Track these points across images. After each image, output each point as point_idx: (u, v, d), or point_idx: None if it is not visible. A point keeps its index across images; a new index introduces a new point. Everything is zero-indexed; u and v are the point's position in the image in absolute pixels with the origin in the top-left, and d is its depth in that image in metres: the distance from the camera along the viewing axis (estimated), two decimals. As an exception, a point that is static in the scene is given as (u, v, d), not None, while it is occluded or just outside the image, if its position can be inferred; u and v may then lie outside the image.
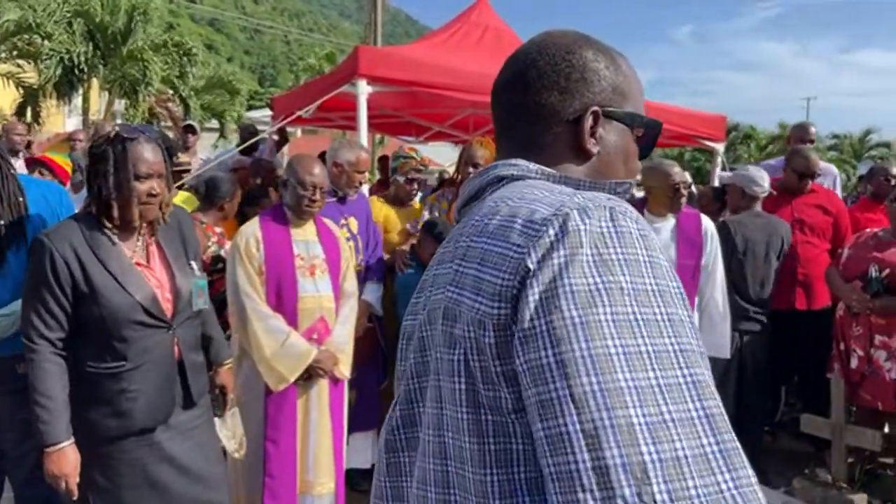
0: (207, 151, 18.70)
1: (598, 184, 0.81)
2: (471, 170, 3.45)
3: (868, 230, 3.61)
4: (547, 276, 0.63)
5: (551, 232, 0.65)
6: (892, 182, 4.20)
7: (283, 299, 2.57)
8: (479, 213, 0.77)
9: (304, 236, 2.72)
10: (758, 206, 3.81)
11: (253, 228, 2.63)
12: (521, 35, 5.45)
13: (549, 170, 0.81)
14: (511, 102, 0.86)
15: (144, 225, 2.08)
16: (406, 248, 3.41)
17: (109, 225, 2.00)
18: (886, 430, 3.44)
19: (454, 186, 3.69)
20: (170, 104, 13.26)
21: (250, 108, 29.66)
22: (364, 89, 3.82)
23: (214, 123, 16.28)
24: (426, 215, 3.56)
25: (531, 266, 0.64)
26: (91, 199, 2.01)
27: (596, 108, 0.83)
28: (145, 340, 1.99)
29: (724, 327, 3.26)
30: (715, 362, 3.32)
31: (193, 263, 2.20)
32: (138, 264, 2.05)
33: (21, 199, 2.20)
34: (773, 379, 4.15)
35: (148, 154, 2.00)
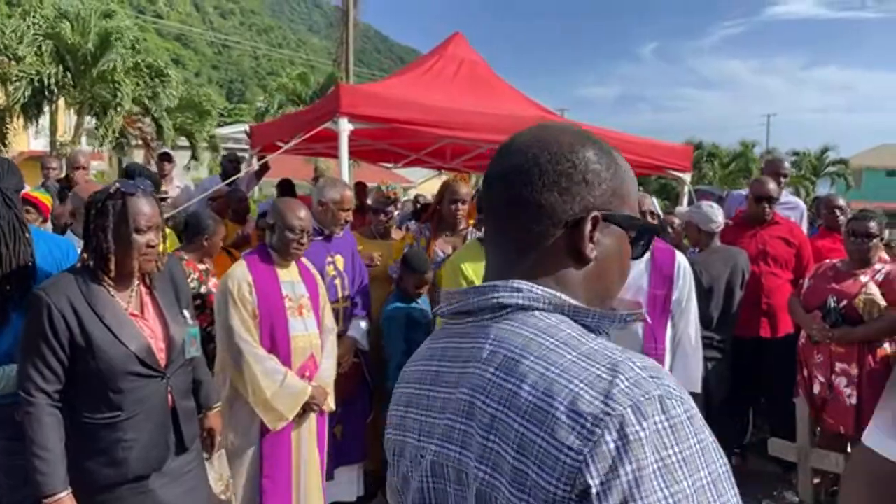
0: (181, 174, 18.57)
1: (606, 316, 0.79)
2: (453, 206, 3.56)
3: (827, 261, 3.79)
4: (616, 499, 0.63)
5: (609, 440, 0.64)
6: (838, 213, 4.42)
7: (276, 341, 2.63)
8: (494, 366, 0.75)
9: (290, 277, 2.79)
10: (716, 240, 3.99)
11: (243, 272, 2.68)
12: (494, 67, 5.61)
13: (556, 297, 0.78)
14: (508, 196, 0.82)
15: (140, 276, 2.14)
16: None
17: (105, 277, 2.05)
18: (849, 450, 3.61)
19: (432, 218, 3.77)
20: (141, 125, 13.19)
21: (220, 124, 29.47)
22: (345, 126, 3.92)
23: (185, 141, 16.17)
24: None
25: (593, 484, 0.63)
26: (88, 252, 2.07)
27: (596, 213, 0.80)
28: (140, 390, 2.04)
29: (697, 361, 3.39)
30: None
31: (186, 312, 2.26)
32: (133, 315, 2.10)
33: (31, 262, 2.22)
34: (742, 403, 4.31)
35: (146, 208, 2.08)
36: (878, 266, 3.53)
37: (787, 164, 4.90)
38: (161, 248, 2.15)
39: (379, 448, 3.54)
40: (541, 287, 0.79)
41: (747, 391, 4.26)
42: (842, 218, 4.33)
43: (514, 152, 0.84)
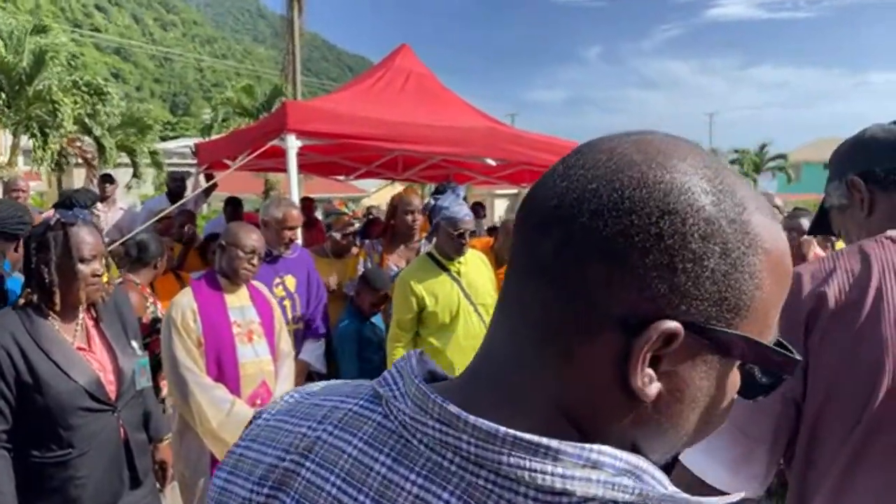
0: (123, 194, 18.07)
1: None
2: (409, 217, 3.58)
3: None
4: None
5: None
6: (776, 213, 4.60)
7: (223, 368, 2.59)
8: None
9: (239, 302, 2.74)
10: None
11: (188, 300, 2.63)
12: (442, 74, 5.66)
13: (638, 472, 0.47)
14: (552, 247, 0.48)
15: (84, 308, 2.09)
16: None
17: (50, 311, 2.00)
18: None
19: (384, 233, 3.79)
20: (81, 144, 12.80)
21: (163, 138, 28.80)
22: (293, 143, 3.90)
23: (127, 159, 15.75)
24: (360, 269, 3.65)
25: None
26: (32, 287, 2.01)
27: (677, 325, 0.46)
28: (91, 425, 1.99)
29: None
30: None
31: (134, 343, 2.22)
32: (80, 348, 2.05)
33: None
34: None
35: (88, 237, 2.05)
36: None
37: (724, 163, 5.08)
38: (105, 276, 2.11)
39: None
40: (625, 457, 0.47)
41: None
42: (779, 217, 4.51)
43: (612, 173, 0.48)
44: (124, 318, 2.23)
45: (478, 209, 7.03)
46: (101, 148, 13.10)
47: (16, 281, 2.66)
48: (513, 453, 0.46)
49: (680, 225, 0.46)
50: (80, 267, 2.00)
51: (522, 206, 0.53)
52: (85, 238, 2.03)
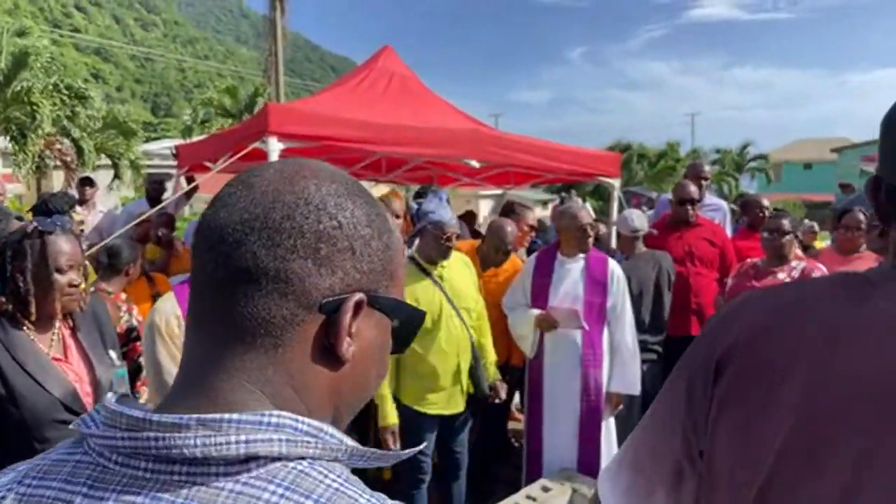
0: (103, 196, 17.84)
1: (366, 455, 0.59)
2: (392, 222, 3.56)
3: (749, 260, 3.98)
4: None
5: None
6: (765, 214, 4.64)
7: (207, 375, 2.55)
8: None
9: None
10: (640, 245, 4.14)
11: (171, 306, 2.58)
12: (426, 76, 5.64)
13: (324, 434, 0.56)
14: (239, 262, 0.57)
15: (61, 318, 2.05)
16: None
17: (25, 321, 1.96)
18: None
19: None
20: (61, 147, 12.62)
21: (146, 139, 28.48)
22: (275, 146, 3.85)
23: (107, 161, 15.55)
24: None
25: None
26: (6, 296, 1.97)
27: (362, 295, 0.59)
28: (67, 437, 1.94)
29: (634, 366, 3.51)
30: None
31: (112, 353, 2.17)
32: (56, 359, 2.01)
33: None
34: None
35: (66, 246, 2.00)
36: (794, 263, 3.72)
37: (707, 168, 5.11)
38: (83, 286, 2.07)
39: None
40: (307, 420, 0.56)
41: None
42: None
43: (255, 199, 0.58)
44: (102, 327, 2.19)
45: (470, 218, 7.00)
46: (79, 151, 12.92)
47: None
48: (198, 435, 0.51)
49: (353, 217, 0.60)
50: (57, 277, 1.96)
51: (202, 230, 0.61)
52: (62, 247, 1.98)
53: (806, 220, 8.54)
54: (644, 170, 25.93)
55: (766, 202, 4.86)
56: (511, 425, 4.75)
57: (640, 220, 4.14)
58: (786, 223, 3.75)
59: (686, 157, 28.84)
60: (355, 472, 0.60)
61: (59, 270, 1.97)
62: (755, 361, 0.83)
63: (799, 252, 4.42)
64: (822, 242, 7.28)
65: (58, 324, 2.05)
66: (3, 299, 1.96)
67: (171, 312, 2.57)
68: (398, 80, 5.30)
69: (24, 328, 1.95)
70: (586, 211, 3.59)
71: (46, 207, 2.32)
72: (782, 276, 3.67)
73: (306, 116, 4.03)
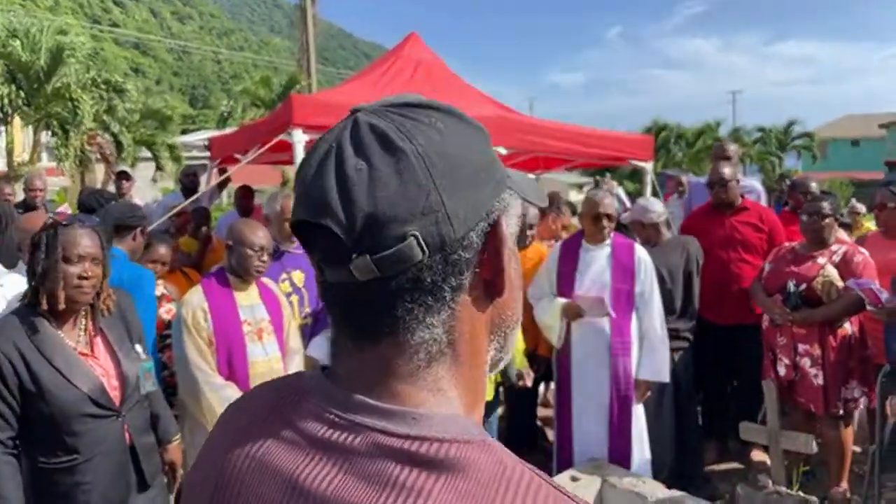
0: (146, 188, 18.26)
1: None
2: None
3: (787, 244, 3.84)
4: None
5: None
6: (810, 198, 4.45)
7: (234, 367, 2.59)
8: None
9: (249, 300, 2.74)
10: (664, 231, 3.99)
11: (198, 299, 2.63)
12: (458, 60, 5.58)
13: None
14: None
15: (85, 312, 2.09)
16: None
17: (51, 316, 2.00)
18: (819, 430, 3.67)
19: None
20: (100, 141, 12.94)
21: (184, 131, 29.02)
22: (300, 138, 3.87)
23: (148, 153, 15.90)
24: None
25: None
26: (29, 290, 2.01)
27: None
28: (96, 431, 1.99)
29: (664, 353, 3.43)
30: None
31: (138, 347, 2.21)
32: (82, 354, 2.05)
33: None
34: (716, 389, 4.36)
35: (81, 238, 2.02)
36: (835, 247, 3.58)
37: (732, 147, 4.91)
38: (96, 280, 2.07)
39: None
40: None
41: (721, 377, 4.31)
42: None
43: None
44: (128, 320, 2.23)
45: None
46: (118, 144, 13.23)
47: (131, 266, 2.95)
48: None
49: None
50: (64, 266, 1.97)
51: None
52: (76, 239, 2.00)
53: (853, 200, 8.22)
54: (682, 150, 25.35)
55: (813, 185, 4.66)
56: (541, 412, 4.72)
57: (658, 205, 4.02)
58: (825, 205, 3.61)
59: (727, 136, 28.09)
60: None
61: (68, 260, 1.98)
62: None
63: (843, 235, 4.26)
64: (871, 223, 7.00)
65: (83, 320, 2.09)
66: (28, 294, 2.01)
67: (197, 305, 2.61)
68: (424, 68, 5.26)
69: (51, 324, 1.99)
70: (610, 198, 3.50)
71: (88, 206, 2.40)
72: (822, 260, 3.54)
73: (330, 107, 4.03)
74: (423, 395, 0.57)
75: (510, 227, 0.61)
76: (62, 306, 1.98)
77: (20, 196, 6.30)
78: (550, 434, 4.06)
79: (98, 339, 2.11)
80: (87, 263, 2.01)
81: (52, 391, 1.92)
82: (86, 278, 2.01)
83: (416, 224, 0.54)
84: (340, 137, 0.57)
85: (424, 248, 0.54)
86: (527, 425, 4.38)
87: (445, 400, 0.58)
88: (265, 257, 2.72)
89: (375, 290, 0.56)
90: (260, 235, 2.71)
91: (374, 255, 0.54)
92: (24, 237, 2.77)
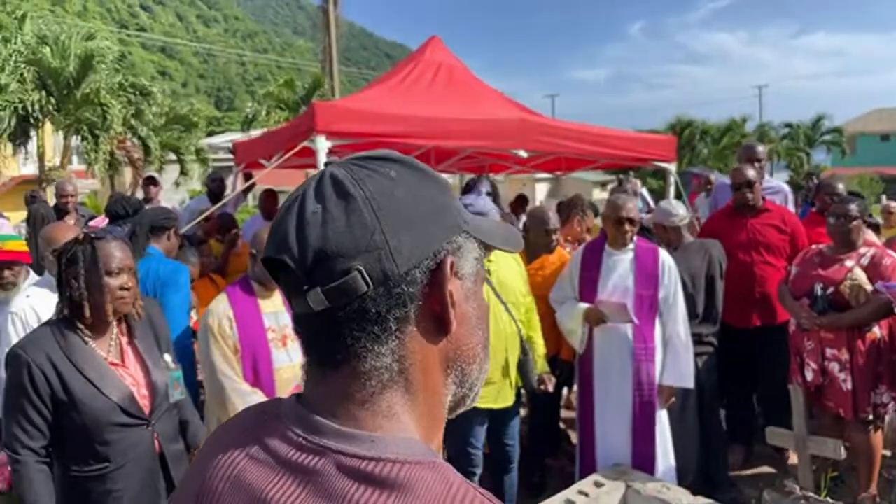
0: (170, 191, 18.52)
1: None
2: None
3: (814, 247, 3.78)
4: None
5: None
6: (837, 200, 4.36)
7: (259, 374, 2.62)
8: None
9: (273, 307, 2.77)
10: (686, 234, 3.94)
11: (224, 307, 2.68)
12: (480, 59, 5.59)
13: None
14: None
15: (117, 323, 2.14)
16: None
17: (82, 327, 2.05)
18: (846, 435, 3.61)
19: None
20: (128, 145, 13.18)
21: (210, 133, 29.40)
22: (323, 145, 3.91)
23: (173, 155, 16.15)
24: None
25: None
26: (63, 303, 2.07)
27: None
28: (126, 440, 2.05)
29: (688, 358, 3.40)
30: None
31: (167, 356, 2.26)
32: (113, 364, 2.10)
33: None
34: (740, 393, 4.31)
35: (116, 251, 2.09)
36: (863, 250, 3.51)
37: (760, 149, 4.84)
38: (136, 291, 2.15)
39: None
40: None
41: (745, 381, 4.26)
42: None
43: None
44: (157, 330, 2.28)
45: (521, 203, 6.94)
46: (146, 148, 13.47)
47: (167, 262, 3.25)
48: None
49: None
50: (108, 280, 2.04)
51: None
52: (112, 252, 2.07)
53: (884, 197, 8.04)
54: (708, 147, 25.01)
55: (840, 186, 4.58)
56: (565, 414, 4.71)
57: (680, 208, 3.97)
58: (853, 207, 3.55)
59: (753, 132, 27.63)
60: None
61: (110, 273, 2.05)
62: None
63: (872, 237, 4.17)
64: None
65: (114, 330, 2.14)
66: (61, 306, 2.07)
67: (223, 314, 2.66)
68: (445, 71, 5.27)
69: (82, 335, 2.05)
70: (633, 202, 3.47)
71: (116, 213, 2.47)
72: (850, 263, 3.48)
73: (353, 114, 4.07)
74: (380, 420, 0.62)
75: (465, 268, 0.66)
76: (110, 318, 2.06)
77: (51, 200, 6.47)
78: (574, 437, 4.05)
79: (128, 350, 2.17)
80: (125, 276, 2.08)
81: (83, 401, 1.97)
82: (127, 289, 2.08)
83: (360, 259, 0.60)
84: (307, 186, 0.65)
85: (368, 281, 0.60)
86: (550, 428, 4.38)
87: (400, 425, 0.63)
88: None
89: (329, 320, 0.62)
90: None
91: (323, 286, 0.60)
92: (47, 248, 2.84)
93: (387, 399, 0.63)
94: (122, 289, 2.07)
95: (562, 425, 4.60)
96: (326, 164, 0.67)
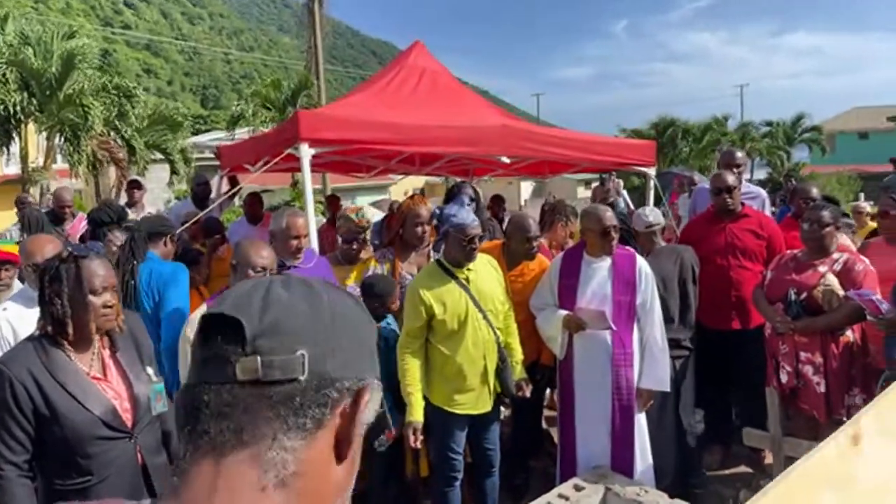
0: (160, 190, 18.37)
1: None
2: (418, 229, 3.60)
3: (789, 252, 3.86)
4: None
5: None
6: (811, 206, 4.45)
7: (238, 385, 2.64)
8: None
9: None
10: (659, 240, 4.05)
11: None
12: (458, 74, 5.63)
13: None
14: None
15: (99, 337, 2.17)
16: None
17: (65, 342, 2.08)
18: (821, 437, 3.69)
19: (394, 242, 3.79)
20: (111, 145, 13.09)
21: (196, 132, 29.18)
22: (307, 152, 3.93)
23: (161, 156, 16.04)
24: (370, 275, 3.67)
25: None
26: (45, 319, 2.09)
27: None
28: (108, 453, 2.07)
29: (664, 362, 3.47)
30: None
31: (149, 369, 2.29)
32: (95, 378, 2.12)
33: None
34: (717, 396, 4.39)
35: (100, 269, 2.12)
36: (836, 255, 3.59)
37: (739, 155, 4.90)
38: (118, 307, 2.17)
39: (357, 478, 3.58)
40: None
41: (722, 383, 4.33)
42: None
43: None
44: (139, 344, 2.30)
45: (498, 203, 6.99)
46: (130, 149, 13.38)
47: (167, 263, 3.47)
48: None
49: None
50: (92, 298, 2.07)
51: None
52: (96, 270, 2.10)
53: (862, 195, 8.16)
54: (689, 146, 25.20)
55: (814, 191, 4.67)
56: (548, 413, 4.77)
57: (654, 214, 4.07)
58: (826, 214, 3.63)
59: (734, 131, 27.88)
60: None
61: (94, 292, 2.08)
62: None
63: (846, 241, 4.26)
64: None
65: (96, 343, 2.17)
66: (43, 322, 2.09)
67: (202, 324, 2.68)
68: (429, 77, 5.30)
69: (65, 349, 2.08)
70: (611, 213, 3.54)
71: (100, 220, 2.47)
72: (823, 268, 3.56)
73: (336, 121, 4.09)
74: None
75: (368, 412, 0.67)
76: (93, 336, 2.09)
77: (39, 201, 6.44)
78: (557, 437, 4.11)
79: (111, 363, 2.19)
80: (108, 294, 2.11)
81: (65, 415, 2.00)
82: (110, 307, 2.11)
83: (308, 347, 0.62)
84: (273, 278, 0.70)
85: (306, 368, 0.62)
86: (533, 430, 4.43)
87: None
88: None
89: (249, 395, 0.61)
90: (264, 255, 2.77)
91: (264, 357, 0.61)
92: (26, 260, 2.85)
93: (279, 498, 0.60)
94: (105, 306, 2.10)
95: (545, 425, 4.65)
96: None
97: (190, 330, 2.66)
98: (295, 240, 3.31)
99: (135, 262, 3.29)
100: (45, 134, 13.13)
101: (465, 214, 3.09)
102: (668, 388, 3.51)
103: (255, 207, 5.93)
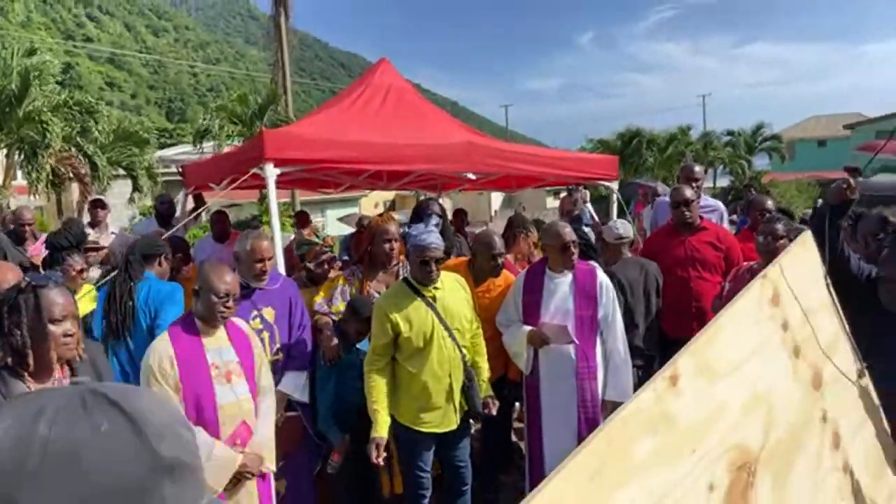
0: (122, 207, 18.04)
1: None
2: (387, 246, 3.63)
3: (746, 264, 3.99)
4: None
5: None
6: (767, 217, 4.60)
7: (202, 411, 2.62)
8: None
9: (217, 343, 2.76)
10: (626, 252, 4.19)
11: (165, 346, 2.68)
12: (428, 86, 5.68)
13: None
14: None
15: (60, 367, 2.15)
16: (329, 336, 3.49)
17: (25, 373, 2.05)
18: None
19: (363, 260, 3.81)
20: (74, 161, 12.86)
21: (162, 146, 28.78)
22: (272, 172, 3.93)
23: (124, 171, 15.80)
24: (337, 294, 3.68)
25: None
26: (5, 350, 2.06)
27: None
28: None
29: (627, 373, 3.55)
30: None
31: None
32: (56, 407, 2.10)
33: None
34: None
35: (59, 298, 2.10)
36: (789, 266, 3.72)
37: (698, 169, 5.06)
38: (78, 335, 2.16)
39: (331, 499, 3.53)
40: None
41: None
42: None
43: None
44: (99, 372, 2.29)
45: (461, 216, 7.06)
46: (93, 165, 13.16)
47: (164, 282, 3.58)
48: None
49: None
50: (51, 328, 2.06)
51: None
52: (55, 299, 2.08)
53: (820, 201, 8.41)
54: (654, 156, 25.71)
55: (769, 203, 4.82)
56: (518, 425, 4.81)
57: (624, 227, 4.21)
58: (780, 227, 3.75)
59: (697, 140, 28.52)
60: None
61: (53, 321, 2.06)
62: None
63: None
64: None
65: (57, 373, 2.15)
66: (2, 353, 2.07)
67: (163, 352, 2.66)
68: (395, 94, 5.35)
69: (24, 380, 2.05)
70: (570, 228, 3.62)
71: (59, 244, 2.42)
72: (777, 279, 3.68)
73: (302, 141, 4.10)
74: None
75: None
76: (54, 365, 2.07)
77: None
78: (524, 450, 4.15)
79: (71, 392, 2.17)
80: (68, 322, 2.09)
81: (26, 447, 1.97)
82: (70, 335, 2.09)
83: None
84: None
85: None
86: (502, 444, 4.47)
87: None
88: (230, 303, 2.76)
89: None
90: (227, 280, 2.75)
91: None
92: None
93: None
94: (65, 335, 2.08)
95: (514, 438, 4.69)
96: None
97: (153, 360, 2.64)
98: (259, 263, 3.30)
99: (132, 284, 3.41)
100: (4, 151, 12.86)
101: (427, 235, 3.11)
102: (631, 398, 3.58)
103: (221, 226, 5.89)
